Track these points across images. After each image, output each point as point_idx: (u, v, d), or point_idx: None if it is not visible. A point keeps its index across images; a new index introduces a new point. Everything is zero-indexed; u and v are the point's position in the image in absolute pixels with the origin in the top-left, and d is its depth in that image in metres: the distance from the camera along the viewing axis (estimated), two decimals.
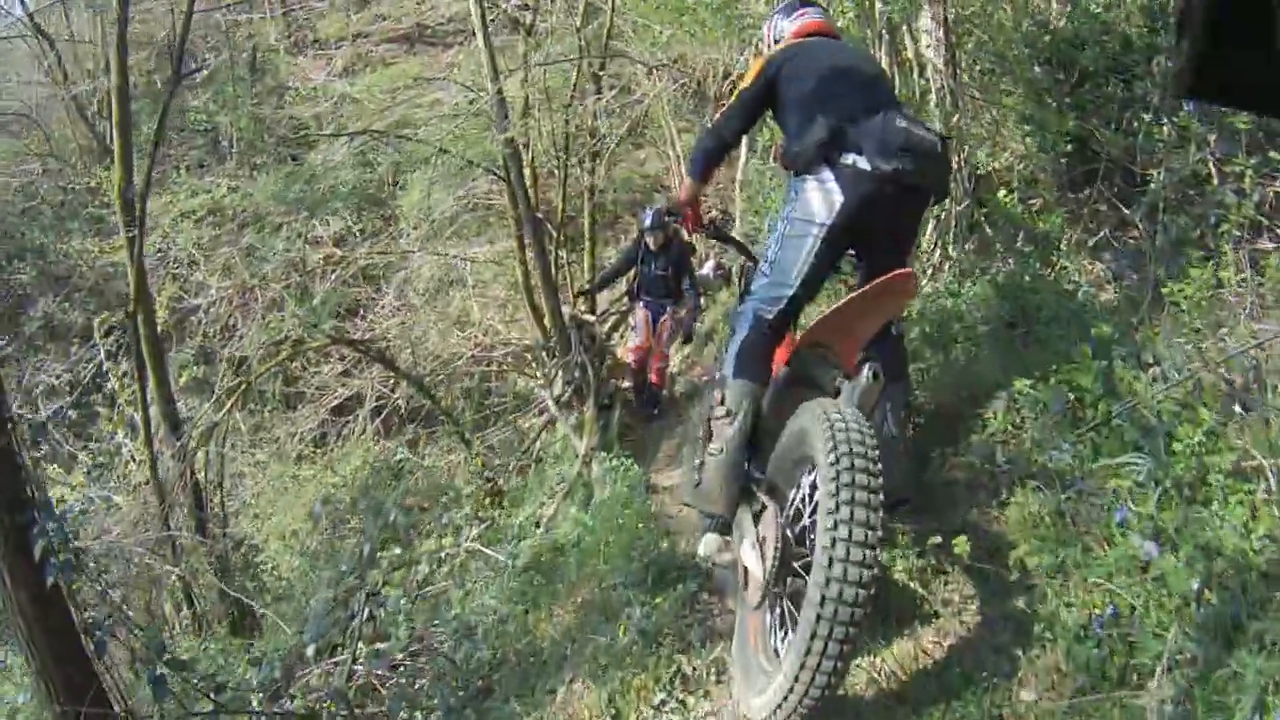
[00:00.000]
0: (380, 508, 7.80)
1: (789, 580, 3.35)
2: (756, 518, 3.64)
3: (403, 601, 5.45)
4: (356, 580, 5.97)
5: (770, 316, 3.96)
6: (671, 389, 9.90)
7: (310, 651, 5.24)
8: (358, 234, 11.50)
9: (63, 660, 3.87)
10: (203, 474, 8.95)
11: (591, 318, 10.31)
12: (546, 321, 9.62)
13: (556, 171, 10.35)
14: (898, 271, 3.66)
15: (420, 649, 5.30)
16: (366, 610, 5.05)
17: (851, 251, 4.23)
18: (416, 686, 5.08)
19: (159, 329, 11.25)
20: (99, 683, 3.92)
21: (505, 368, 10.60)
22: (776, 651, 3.34)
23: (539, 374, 9.87)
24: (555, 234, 10.27)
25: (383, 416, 10.72)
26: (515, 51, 10.18)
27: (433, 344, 10.64)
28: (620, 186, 11.94)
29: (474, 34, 8.57)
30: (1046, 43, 6.38)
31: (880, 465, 2.97)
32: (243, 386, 9.42)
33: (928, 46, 6.32)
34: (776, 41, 4.62)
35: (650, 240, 9.05)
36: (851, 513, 2.85)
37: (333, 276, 10.78)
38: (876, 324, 3.94)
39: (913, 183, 3.85)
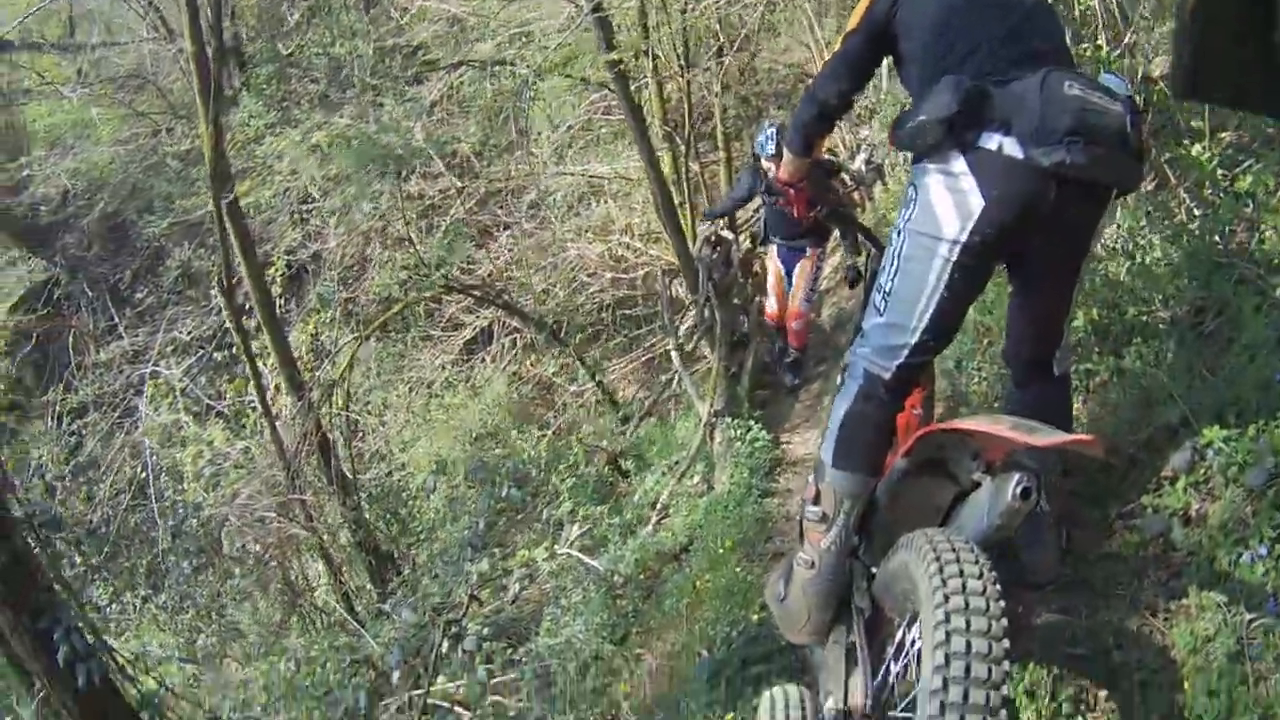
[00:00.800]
0: (494, 480, 7.56)
1: None
2: (848, 665, 2.81)
3: (485, 631, 5.01)
4: (445, 598, 5.67)
5: (887, 376, 2.88)
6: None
7: (395, 678, 5.09)
8: (491, 149, 10.81)
9: None
10: (333, 425, 8.63)
11: (729, 234, 9.18)
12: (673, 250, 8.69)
13: (682, 75, 9.30)
14: (1081, 439, 2.49)
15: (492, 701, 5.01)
16: (445, 643, 4.85)
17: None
18: None
19: (281, 277, 11.12)
20: None
21: (638, 293, 9.78)
22: None
23: (664, 315, 8.95)
24: (685, 145, 9.25)
25: (517, 349, 10.14)
26: None
27: (570, 263, 9.90)
28: (763, 78, 10.83)
29: None
30: None
31: (1004, 626, 2.13)
32: (359, 343, 9.04)
33: None
34: None
35: (771, 168, 6.71)
36: (965, 695, 2.05)
37: (458, 206, 10.20)
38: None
39: (1088, 178, 2.65)
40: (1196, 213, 4.19)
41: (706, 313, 8.49)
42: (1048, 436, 2.41)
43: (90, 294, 14.61)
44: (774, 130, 6.96)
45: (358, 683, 5.70)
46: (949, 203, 2.71)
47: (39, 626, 3.50)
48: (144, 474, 12.52)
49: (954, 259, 2.70)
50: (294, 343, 10.80)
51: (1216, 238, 3.98)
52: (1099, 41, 4.72)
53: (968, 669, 2.05)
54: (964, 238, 2.68)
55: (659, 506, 7.00)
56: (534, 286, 9.61)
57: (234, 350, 11.94)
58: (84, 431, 13.74)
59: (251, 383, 9.26)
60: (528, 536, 7.36)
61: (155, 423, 12.55)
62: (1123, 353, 4.01)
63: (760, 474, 6.45)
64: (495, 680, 5.10)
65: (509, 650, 5.42)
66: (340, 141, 10.40)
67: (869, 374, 2.89)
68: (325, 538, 8.32)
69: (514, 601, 6.32)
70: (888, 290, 2.85)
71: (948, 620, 2.12)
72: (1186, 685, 2.66)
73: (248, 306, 9.16)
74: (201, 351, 12.80)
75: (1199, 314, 3.88)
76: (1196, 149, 4.08)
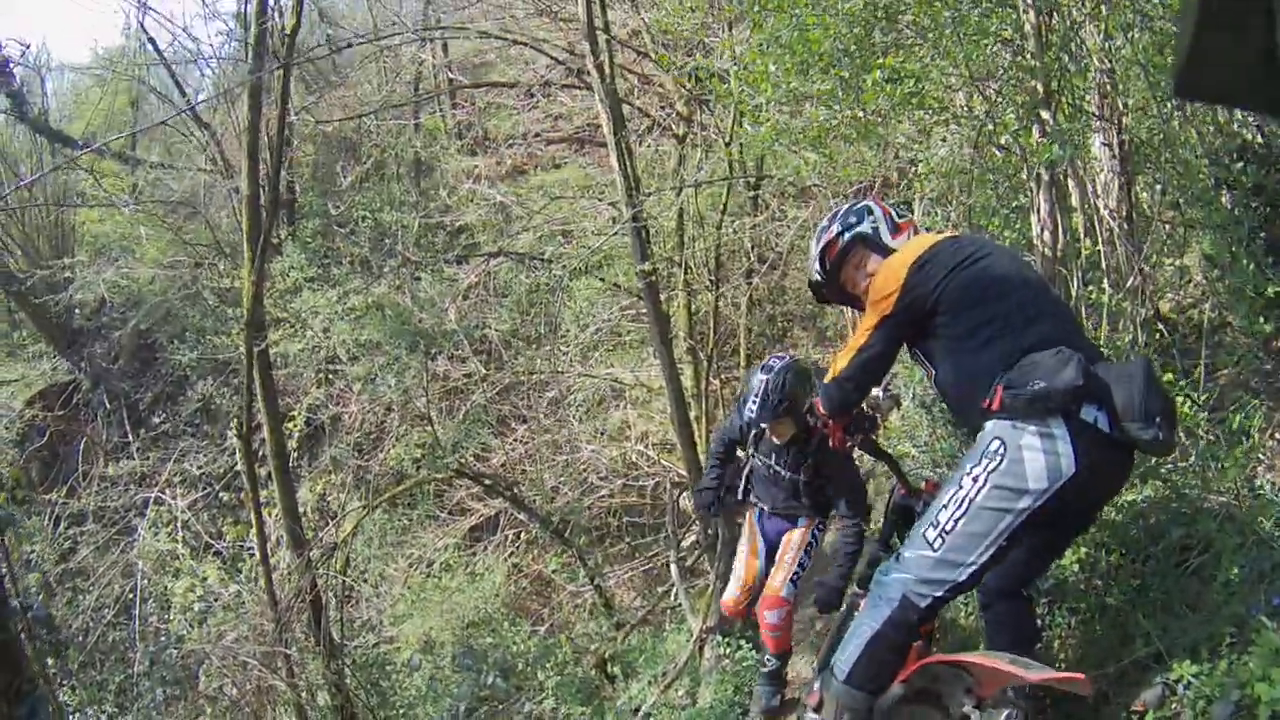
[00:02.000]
0: (480, 668, 7.56)
1: None
2: None
3: None
4: None
5: (923, 605, 3.04)
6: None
7: None
8: (519, 340, 10.96)
9: None
10: (328, 586, 8.58)
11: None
12: (684, 463, 8.73)
13: (710, 290, 9.50)
14: (1073, 677, 2.78)
15: None
16: None
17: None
18: None
19: (299, 432, 11.21)
20: None
21: (646, 501, 9.80)
22: None
23: (668, 526, 8.99)
24: (708, 360, 9.38)
25: (520, 541, 10.17)
26: (667, 164, 9.53)
27: (583, 463, 9.95)
28: (791, 298, 11.04)
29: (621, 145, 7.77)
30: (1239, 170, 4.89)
31: None
32: (366, 512, 9.07)
33: (1099, 181, 5.39)
34: (877, 253, 3.65)
35: (766, 429, 5.33)
36: None
37: (480, 392, 10.31)
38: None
39: (1157, 451, 3.08)
40: (1191, 454, 4.34)
41: (709, 530, 8.52)
42: (1041, 672, 2.66)
43: (109, 406, 14.69)
44: (768, 385, 5.08)
45: None
46: (1041, 464, 2.95)
47: (15, 714, 3.43)
48: (132, 595, 12.45)
49: (1030, 510, 2.95)
50: (301, 499, 10.84)
51: (1207, 475, 4.17)
52: (1104, 285, 4.93)
53: None
54: (1046, 497, 2.93)
55: (641, 715, 6.95)
56: (545, 482, 9.65)
57: (241, 495, 12.01)
58: (79, 539, 13.70)
59: (254, 530, 9.23)
60: None
61: (152, 548, 12.52)
62: (1107, 591, 4.12)
63: (744, 692, 6.46)
64: None
65: None
66: (375, 310, 10.60)
67: (906, 600, 3.04)
68: (304, 695, 8.14)
69: None
70: (947, 529, 3.04)
71: None
72: None
73: (261, 454, 9.19)
74: (209, 489, 12.83)
75: (1184, 552, 3.96)
76: (1189, 396, 4.38)
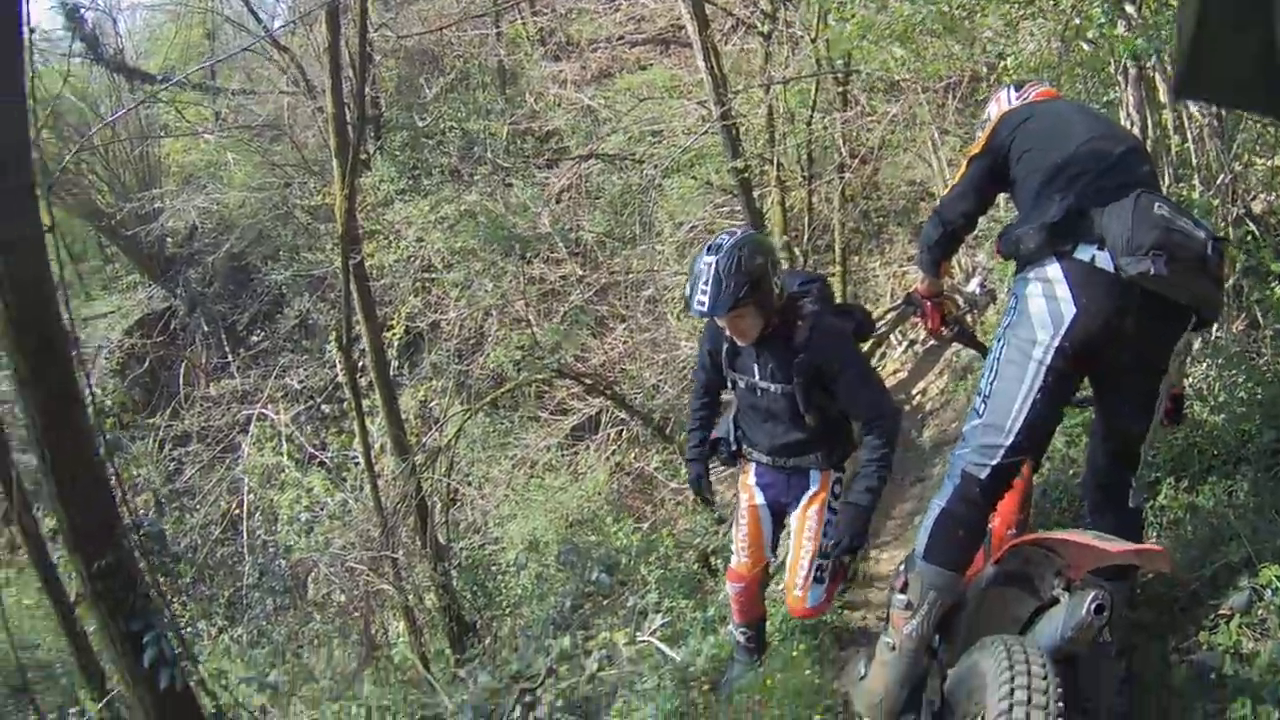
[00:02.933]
0: (584, 565, 7.62)
1: None
2: None
3: (558, 703, 5.24)
4: (524, 668, 5.68)
5: (983, 476, 3.01)
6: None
7: None
8: (614, 241, 10.94)
9: None
10: (433, 491, 8.72)
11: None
12: None
13: (803, 186, 9.39)
14: (1149, 549, 2.82)
15: None
16: (517, 709, 4.99)
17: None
18: None
19: (398, 340, 11.34)
20: None
21: None
22: None
23: None
24: (803, 256, 9.29)
25: (622, 440, 10.25)
26: (754, 61, 9.39)
27: (682, 361, 9.94)
28: (885, 194, 10.88)
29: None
30: None
31: None
32: (468, 416, 9.16)
33: None
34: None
35: (728, 329, 4.05)
36: None
37: (577, 293, 10.32)
38: (1119, 563, 2.84)
39: (1168, 294, 2.87)
40: None
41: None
42: (1122, 545, 2.70)
43: (206, 329, 14.99)
44: (716, 263, 3.85)
45: None
46: (1044, 309, 2.94)
47: (131, 629, 3.63)
48: (238, 510, 12.75)
49: (1047, 362, 2.91)
50: (404, 406, 10.99)
51: None
52: (1194, 182, 4.86)
53: None
54: (1056, 342, 2.91)
55: None
56: (645, 381, 9.66)
57: (343, 405, 12.22)
58: (184, 460, 14.05)
59: (358, 439, 9.40)
60: (611, 621, 7.33)
61: (256, 463, 12.79)
62: (1197, 490, 4.08)
63: (845, 585, 6.51)
64: None
65: None
66: (468, 217, 10.63)
67: (966, 474, 3.05)
68: (411, 598, 8.38)
69: (590, 680, 6.30)
70: (986, 394, 3.05)
71: (1010, 712, 2.28)
72: None
73: (362, 364, 9.33)
74: (310, 402, 13.05)
75: (1274, 456, 3.93)
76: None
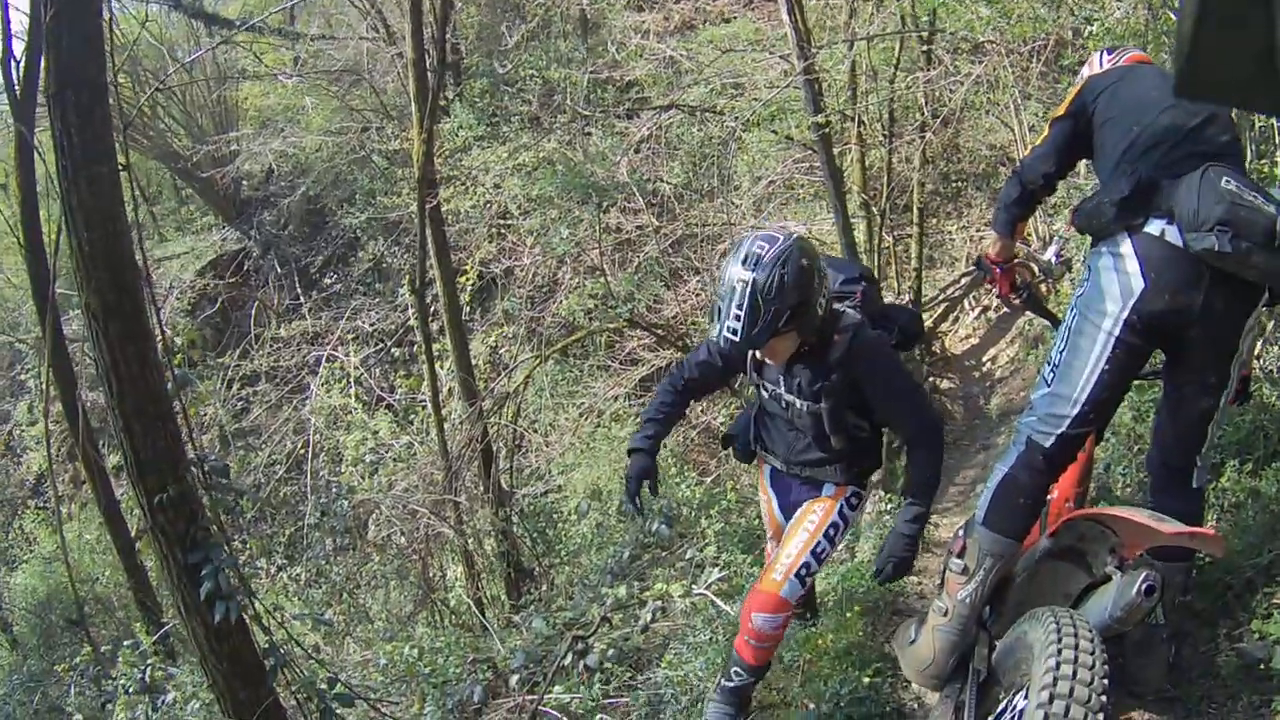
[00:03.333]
0: (646, 515, 7.67)
1: None
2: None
3: (609, 651, 5.15)
4: (578, 616, 5.95)
5: (1048, 444, 3.08)
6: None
7: (514, 681, 5.33)
8: (691, 193, 10.91)
9: (235, 683, 3.92)
10: (499, 436, 8.75)
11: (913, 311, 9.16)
12: None
13: (883, 145, 9.30)
14: (1204, 532, 2.85)
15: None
16: (569, 655, 4.90)
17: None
18: None
19: (471, 286, 11.41)
20: (270, 702, 3.98)
21: None
22: None
23: None
24: (880, 215, 9.21)
25: None
26: (838, 17, 9.27)
27: None
28: (965, 157, 10.76)
29: None
30: None
31: (1105, 703, 2.33)
32: (538, 363, 9.21)
33: None
34: None
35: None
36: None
37: (652, 244, 10.31)
38: (1172, 544, 2.88)
39: (1235, 271, 2.86)
40: None
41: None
42: (1176, 527, 2.70)
43: (279, 271, 15.14)
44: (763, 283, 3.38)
45: (476, 678, 5.85)
46: (1115, 282, 2.99)
47: (190, 561, 3.66)
48: (304, 450, 12.93)
49: (1116, 334, 2.97)
50: (474, 351, 11.07)
51: None
52: (1276, 157, 4.79)
53: None
54: (1126, 315, 2.95)
55: None
56: None
57: (414, 349, 12.33)
58: (252, 399, 14.26)
59: (426, 382, 9.47)
60: (668, 573, 7.34)
61: (324, 403, 12.95)
62: (1261, 475, 4.00)
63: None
64: (608, 700, 5.24)
65: (628, 675, 5.56)
66: (546, 165, 10.64)
67: (1031, 441, 3.12)
68: (471, 542, 8.42)
69: (643, 631, 6.30)
70: (1056, 363, 3.11)
71: (1055, 684, 2.32)
72: None
73: (435, 309, 9.39)
74: (381, 345, 13.19)
75: None
76: None
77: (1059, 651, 2.39)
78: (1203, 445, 3.17)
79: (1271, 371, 4.58)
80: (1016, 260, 3.99)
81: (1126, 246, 2.98)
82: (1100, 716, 2.29)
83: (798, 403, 3.68)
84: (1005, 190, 3.73)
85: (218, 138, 14.95)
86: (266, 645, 4.01)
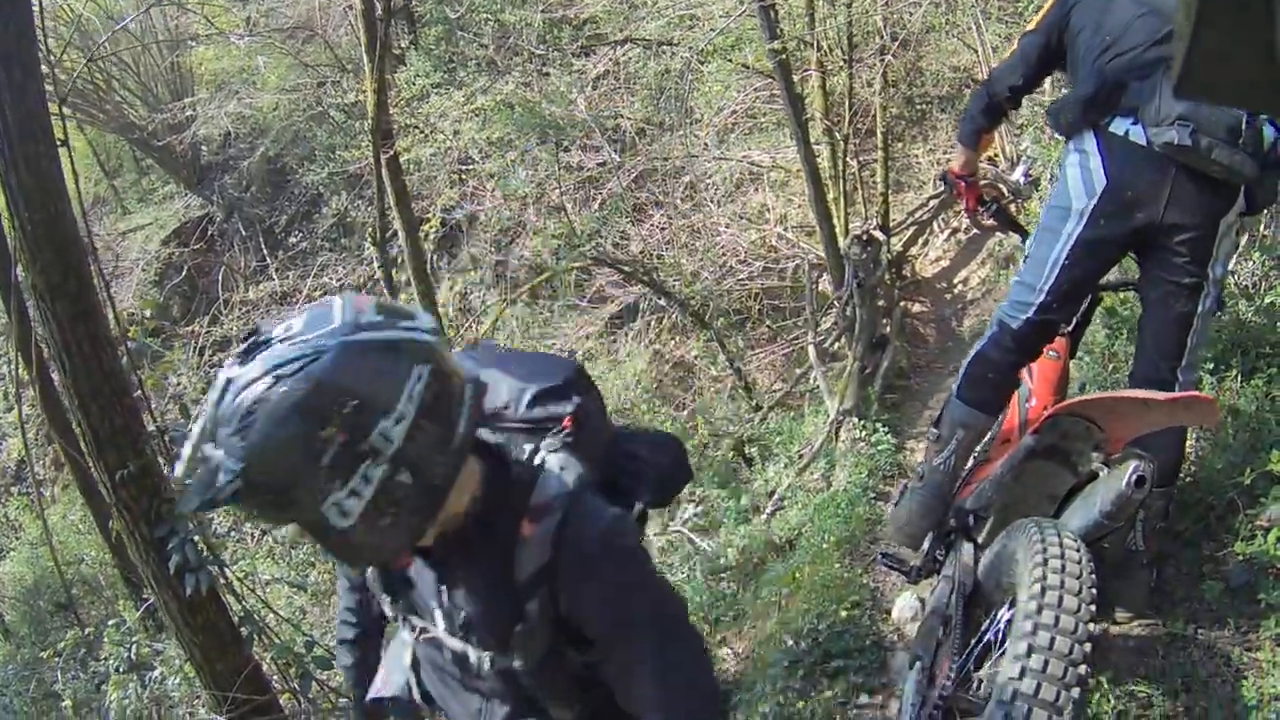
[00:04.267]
0: None
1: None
2: (943, 634, 3.09)
3: None
4: None
5: (1015, 326, 3.33)
6: None
7: None
8: (653, 127, 10.86)
9: (211, 654, 3.95)
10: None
11: (881, 235, 9.14)
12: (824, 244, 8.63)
13: (844, 70, 9.26)
14: (1197, 396, 2.95)
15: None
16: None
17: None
18: None
19: (435, 234, 11.36)
20: (250, 670, 4.00)
21: (787, 284, 9.71)
22: None
23: (807, 309, 8.92)
24: (844, 140, 9.17)
25: (661, 327, 10.29)
26: None
27: (722, 248, 9.87)
28: (929, 80, 10.73)
29: None
30: None
31: (1090, 632, 2.34)
32: (504, 306, 9.21)
33: None
34: None
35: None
36: (1045, 665, 2.26)
37: (615, 180, 10.27)
38: (1160, 426, 3.05)
39: (1200, 167, 2.94)
40: None
41: (848, 311, 8.42)
42: (1165, 395, 2.82)
43: (244, 233, 15.06)
44: None
45: None
46: (1079, 179, 3.14)
47: (156, 534, 3.70)
48: None
49: (1079, 228, 3.14)
50: (443, 299, 11.04)
51: None
52: None
53: (1052, 642, 2.27)
54: (1088, 211, 3.11)
55: (776, 497, 7.01)
56: (684, 268, 9.65)
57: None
58: (224, 365, 14.15)
59: None
60: None
61: None
62: (1239, 393, 3.99)
63: (879, 476, 6.52)
64: None
65: None
66: (503, 107, 10.57)
67: (1002, 323, 3.35)
68: None
69: None
70: (1028, 254, 3.35)
71: (1042, 594, 2.35)
72: None
73: (400, 260, 9.35)
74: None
75: None
76: None
77: (1045, 561, 2.42)
78: (1182, 357, 3.25)
79: (1247, 287, 4.57)
80: (984, 181, 4.05)
81: (1091, 144, 3.10)
82: (1090, 626, 2.33)
83: (471, 653, 1.96)
84: (971, 103, 3.85)
85: (172, 105, 14.79)
86: (241, 614, 4.07)
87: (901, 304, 9.22)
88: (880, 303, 8.84)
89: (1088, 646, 2.29)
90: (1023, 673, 2.24)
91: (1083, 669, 2.25)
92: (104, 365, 3.63)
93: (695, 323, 9.42)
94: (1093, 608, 2.37)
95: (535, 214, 10.70)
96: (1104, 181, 3.06)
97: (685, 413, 9.38)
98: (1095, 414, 2.95)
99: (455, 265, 11.92)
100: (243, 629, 4.03)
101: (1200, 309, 3.19)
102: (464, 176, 11.53)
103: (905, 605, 4.67)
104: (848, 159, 9.44)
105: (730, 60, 9.84)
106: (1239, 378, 4.08)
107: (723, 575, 6.13)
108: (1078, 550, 2.46)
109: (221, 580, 4.00)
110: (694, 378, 9.87)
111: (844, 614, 4.60)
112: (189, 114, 14.56)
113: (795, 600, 4.98)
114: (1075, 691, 2.21)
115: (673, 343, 9.85)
